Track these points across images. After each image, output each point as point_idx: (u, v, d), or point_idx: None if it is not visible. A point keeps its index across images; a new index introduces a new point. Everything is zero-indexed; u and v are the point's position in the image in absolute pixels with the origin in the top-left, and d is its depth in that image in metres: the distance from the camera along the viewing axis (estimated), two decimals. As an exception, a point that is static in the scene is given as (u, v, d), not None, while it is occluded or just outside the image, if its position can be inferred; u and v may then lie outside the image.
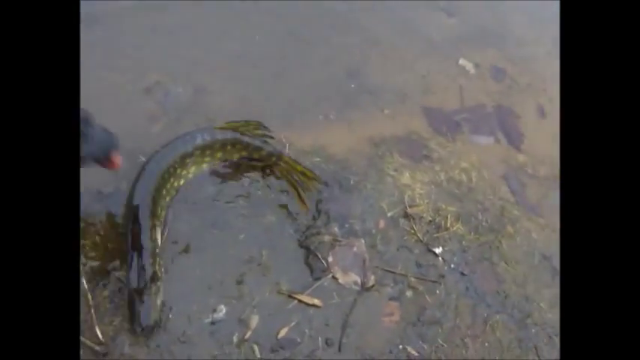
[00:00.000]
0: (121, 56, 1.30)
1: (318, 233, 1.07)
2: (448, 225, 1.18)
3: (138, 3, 1.42)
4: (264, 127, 1.14)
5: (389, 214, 1.15)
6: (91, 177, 0.91)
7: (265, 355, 0.90)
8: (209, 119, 1.19)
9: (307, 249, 1.04)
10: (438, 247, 1.13)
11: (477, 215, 1.23)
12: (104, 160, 0.87)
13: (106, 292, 0.91)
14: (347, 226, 1.10)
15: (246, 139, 1.10)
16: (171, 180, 1.01)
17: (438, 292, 1.07)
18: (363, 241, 1.09)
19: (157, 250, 0.93)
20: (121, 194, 0.99)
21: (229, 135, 1.08)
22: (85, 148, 0.79)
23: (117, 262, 0.94)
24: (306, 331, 0.95)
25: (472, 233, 1.19)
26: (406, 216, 1.16)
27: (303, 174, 1.14)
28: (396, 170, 1.24)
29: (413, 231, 1.14)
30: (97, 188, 1.00)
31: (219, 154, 1.09)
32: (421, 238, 1.13)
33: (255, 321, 0.93)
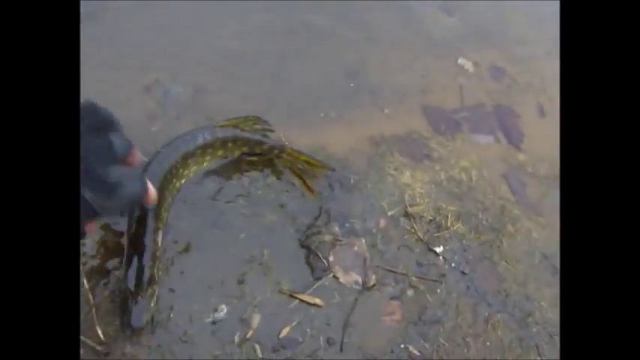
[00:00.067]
0: (121, 54, 1.29)
1: (319, 233, 1.06)
2: (449, 224, 1.18)
3: (138, 3, 1.41)
4: (264, 121, 1.14)
5: (389, 214, 1.15)
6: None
7: (267, 355, 0.90)
8: (209, 118, 1.19)
9: (308, 248, 1.04)
10: (439, 247, 1.13)
11: (478, 214, 1.23)
12: (125, 158, 0.79)
13: (106, 292, 0.91)
14: (347, 225, 1.10)
15: (246, 134, 1.09)
16: (174, 181, 1.01)
17: (439, 291, 1.07)
18: (363, 241, 1.08)
19: (157, 253, 0.93)
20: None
21: (229, 132, 1.08)
22: (109, 155, 0.76)
23: (117, 262, 0.94)
24: (308, 330, 0.95)
25: (472, 232, 1.19)
26: (407, 215, 1.16)
27: (308, 162, 1.14)
28: (396, 169, 1.24)
29: (413, 230, 1.14)
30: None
31: (219, 152, 1.08)
32: (422, 237, 1.13)
33: (256, 320, 0.93)
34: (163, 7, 1.44)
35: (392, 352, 0.96)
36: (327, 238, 1.06)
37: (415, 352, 0.97)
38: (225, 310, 0.93)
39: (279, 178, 1.13)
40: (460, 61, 1.63)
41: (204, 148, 1.05)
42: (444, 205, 1.21)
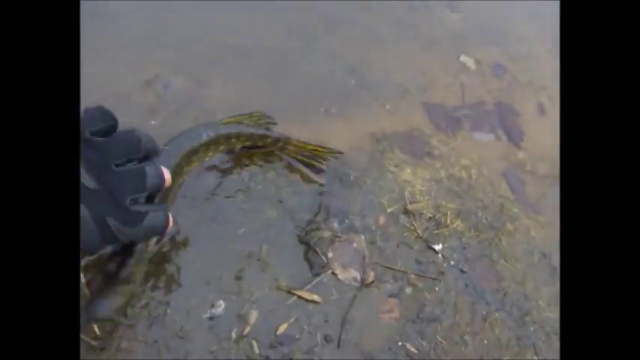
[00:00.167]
0: (121, 48, 1.29)
1: (318, 229, 1.06)
2: (448, 222, 1.17)
3: (138, -5, 1.41)
4: (267, 116, 1.13)
5: (389, 211, 1.15)
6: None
7: (264, 351, 0.89)
8: (209, 113, 1.18)
9: (307, 244, 1.03)
10: (438, 244, 1.13)
11: (477, 212, 1.23)
12: (155, 187, 0.79)
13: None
14: (347, 221, 1.10)
15: (250, 129, 1.09)
16: (178, 179, 1.00)
17: (437, 289, 1.07)
18: (362, 237, 1.08)
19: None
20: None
21: (234, 129, 1.07)
22: (141, 185, 0.74)
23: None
24: (305, 327, 0.94)
25: (472, 230, 1.18)
26: (406, 212, 1.15)
27: (316, 150, 1.14)
28: (396, 166, 1.24)
29: (413, 227, 1.14)
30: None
31: (222, 147, 1.08)
32: (421, 234, 1.13)
33: (254, 317, 0.93)
34: (164, 1, 1.43)
35: (389, 349, 0.96)
36: (327, 234, 1.05)
37: (413, 349, 0.97)
38: (222, 306, 0.92)
39: (279, 174, 1.13)
40: (462, 58, 1.63)
41: (208, 145, 1.04)
42: (443, 203, 1.21)
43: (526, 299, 1.12)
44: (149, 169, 0.75)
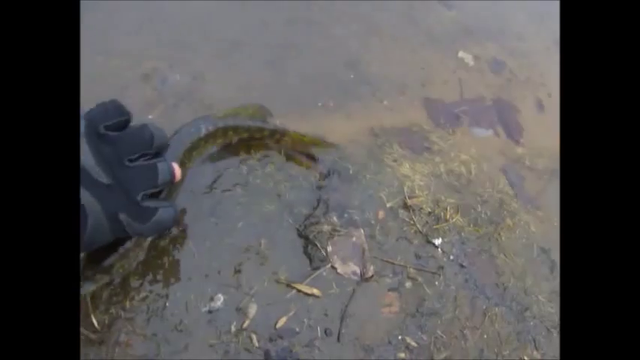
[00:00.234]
0: (119, 42, 1.28)
1: (317, 223, 1.05)
2: (447, 217, 1.17)
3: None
4: (264, 107, 1.12)
5: (388, 205, 1.14)
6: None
7: (263, 345, 0.89)
8: (207, 107, 1.17)
9: (306, 238, 1.03)
10: (438, 239, 1.12)
11: (477, 207, 1.23)
12: (167, 183, 0.82)
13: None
14: (346, 215, 1.09)
15: (247, 122, 1.08)
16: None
17: (437, 283, 1.06)
18: (362, 231, 1.07)
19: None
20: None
21: (231, 121, 1.06)
22: (152, 181, 0.76)
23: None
24: (305, 320, 0.94)
25: (471, 225, 1.18)
26: (406, 207, 1.15)
27: (313, 142, 1.14)
28: (395, 161, 1.23)
29: (412, 222, 1.13)
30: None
31: (219, 140, 1.07)
32: (420, 229, 1.13)
33: (253, 310, 0.92)
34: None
35: (389, 343, 0.96)
36: (326, 228, 1.05)
37: (413, 343, 0.97)
38: (221, 300, 0.92)
39: (277, 168, 1.12)
40: (461, 54, 1.62)
41: (207, 139, 1.04)
42: (443, 198, 1.20)
43: (526, 294, 1.12)
44: (161, 165, 0.76)
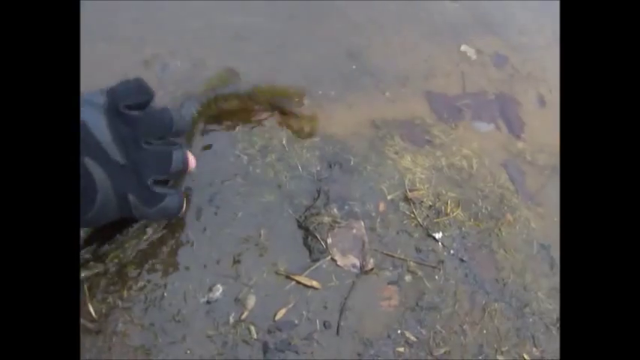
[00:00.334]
0: (120, 28, 1.26)
1: (318, 214, 1.04)
2: (448, 210, 1.16)
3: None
4: (235, 72, 1.13)
5: (389, 197, 1.13)
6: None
7: (262, 336, 0.88)
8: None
9: (306, 230, 1.02)
10: (438, 233, 1.11)
11: (477, 202, 1.22)
12: (180, 172, 0.82)
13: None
14: (346, 207, 1.08)
15: (224, 90, 1.08)
16: None
17: (437, 277, 1.05)
18: (362, 224, 1.06)
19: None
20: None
21: (211, 94, 1.06)
22: (165, 166, 0.76)
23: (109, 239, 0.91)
24: (304, 313, 0.93)
25: (472, 220, 1.17)
26: (406, 200, 1.14)
27: (284, 93, 1.15)
28: (396, 153, 1.22)
29: (413, 215, 1.12)
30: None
31: (203, 118, 1.07)
32: (421, 222, 1.12)
33: (252, 301, 0.91)
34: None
35: (388, 337, 0.95)
36: (326, 219, 1.04)
37: (412, 337, 0.96)
38: (220, 290, 0.91)
39: (278, 158, 1.11)
40: (463, 47, 1.61)
41: (197, 122, 1.04)
42: (444, 192, 1.20)
43: (525, 290, 1.11)
44: (176, 153, 0.76)
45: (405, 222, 1.11)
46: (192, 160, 0.81)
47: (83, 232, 0.87)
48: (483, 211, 1.21)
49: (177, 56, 1.24)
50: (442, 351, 0.97)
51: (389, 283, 1.01)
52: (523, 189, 1.32)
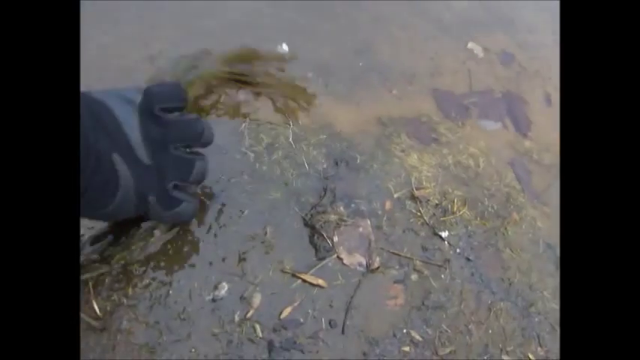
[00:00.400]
0: (125, 24, 1.26)
1: (324, 212, 1.04)
2: (455, 209, 1.15)
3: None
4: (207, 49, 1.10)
5: (395, 196, 1.12)
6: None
7: (267, 335, 0.87)
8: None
9: (312, 228, 1.01)
10: (444, 231, 1.11)
11: (484, 201, 1.21)
12: (199, 182, 0.85)
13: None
14: (353, 205, 1.07)
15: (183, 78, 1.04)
16: None
17: (443, 276, 1.05)
18: (369, 222, 1.06)
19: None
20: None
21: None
22: (187, 174, 0.78)
23: (112, 235, 0.91)
24: (310, 311, 0.92)
25: (478, 218, 1.17)
26: (413, 198, 1.13)
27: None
28: (403, 151, 1.22)
29: (419, 213, 1.12)
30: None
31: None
32: (427, 221, 1.11)
33: (257, 300, 0.90)
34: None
35: (394, 336, 0.94)
36: (332, 217, 1.03)
37: (417, 337, 0.95)
38: (225, 288, 0.90)
39: (284, 156, 1.10)
40: (470, 45, 1.60)
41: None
42: (450, 190, 1.19)
43: (531, 290, 1.11)
44: (199, 163, 0.78)
45: (411, 220, 1.10)
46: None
47: (90, 233, 0.87)
48: (490, 209, 1.20)
49: (182, 52, 1.23)
50: (447, 350, 0.96)
51: (395, 282, 1.01)
52: (529, 188, 1.31)
